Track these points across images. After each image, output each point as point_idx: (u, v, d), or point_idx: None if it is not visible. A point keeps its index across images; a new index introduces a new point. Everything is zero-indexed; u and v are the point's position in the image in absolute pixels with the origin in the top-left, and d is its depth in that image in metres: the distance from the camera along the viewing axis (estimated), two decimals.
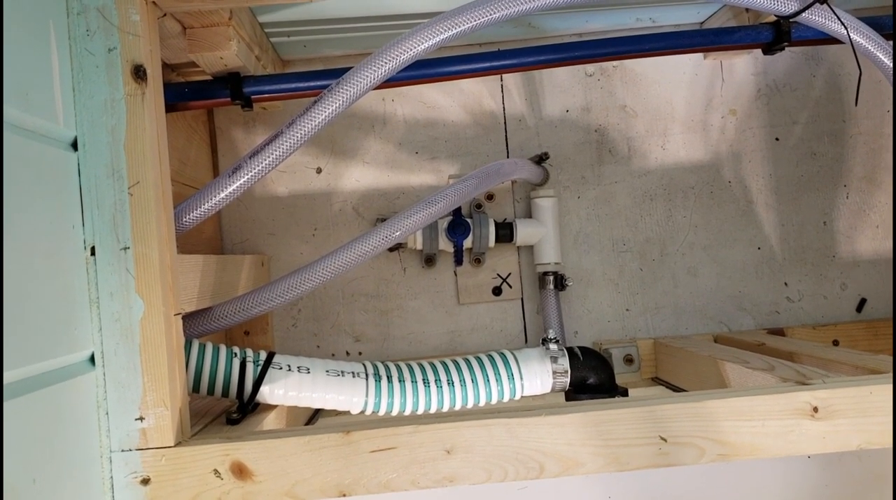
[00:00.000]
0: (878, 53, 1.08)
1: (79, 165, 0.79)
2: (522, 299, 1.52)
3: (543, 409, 0.82)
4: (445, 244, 1.43)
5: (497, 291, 1.51)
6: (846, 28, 1.07)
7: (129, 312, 0.79)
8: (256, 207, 1.50)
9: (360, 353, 1.50)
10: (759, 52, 1.39)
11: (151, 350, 0.79)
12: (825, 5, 1.07)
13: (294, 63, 1.48)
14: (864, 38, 1.08)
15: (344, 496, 0.79)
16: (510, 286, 1.51)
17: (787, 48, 1.22)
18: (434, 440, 0.80)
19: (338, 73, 0.99)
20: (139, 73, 0.80)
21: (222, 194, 0.93)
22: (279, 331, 1.50)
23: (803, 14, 1.07)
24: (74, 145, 0.79)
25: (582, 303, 1.52)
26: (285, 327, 1.50)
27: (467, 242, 1.43)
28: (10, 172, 0.66)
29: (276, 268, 1.49)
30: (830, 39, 1.13)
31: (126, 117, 0.79)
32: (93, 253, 0.79)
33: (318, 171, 1.51)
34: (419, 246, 1.43)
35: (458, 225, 1.42)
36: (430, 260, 1.50)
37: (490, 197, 1.51)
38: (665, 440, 0.80)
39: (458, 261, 1.46)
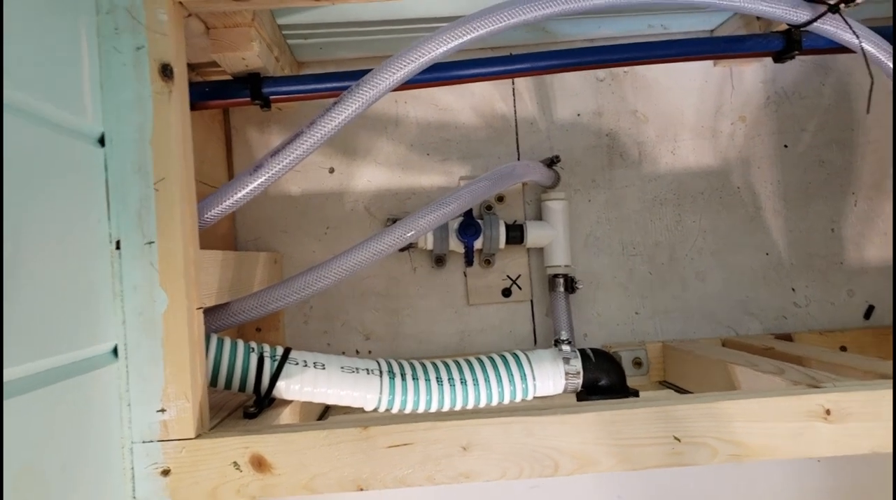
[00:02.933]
0: (889, 63, 1.09)
1: (105, 160, 0.81)
2: (532, 301, 1.53)
3: (559, 408, 0.83)
4: (456, 245, 1.44)
5: (507, 292, 1.52)
6: (858, 38, 1.08)
7: (152, 305, 0.80)
8: (269, 206, 1.51)
9: (370, 351, 1.51)
10: (768, 60, 1.40)
11: (174, 343, 0.80)
12: (837, 15, 1.08)
13: (309, 65, 1.50)
14: (875, 48, 1.09)
15: (361, 490, 0.81)
16: (520, 288, 1.52)
17: (797, 57, 1.23)
18: (451, 436, 0.81)
19: (355, 76, 1.01)
20: (166, 71, 0.81)
21: (243, 192, 0.94)
22: (291, 328, 1.51)
23: (815, 23, 1.08)
24: (101, 141, 0.81)
25: (591, 306, 1.53)
26: (297, 325, 1.51)
27: (478, 244, 1.44)
28: (40, 165, 0.68)
29: (288, 266, 1.50)
30: (841, 48, 1.13)
31: (153, 115, 0.81)
32: (118, 247, 0.80)
33: (331, 170, 1.52)
34: (430, 246, 1.44)
35: (469, 226, 1.43)
36: (440, 260, 1.51)
37: (501, 199, 1.52)
38: (679, 440, 0.81)
39: (469, 262, 1.47)
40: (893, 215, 1.52)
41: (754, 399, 0.82)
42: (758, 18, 1.34)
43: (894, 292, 1.52)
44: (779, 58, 1.24)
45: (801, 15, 1.07)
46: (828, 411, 0.81)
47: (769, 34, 1.24)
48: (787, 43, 1.21)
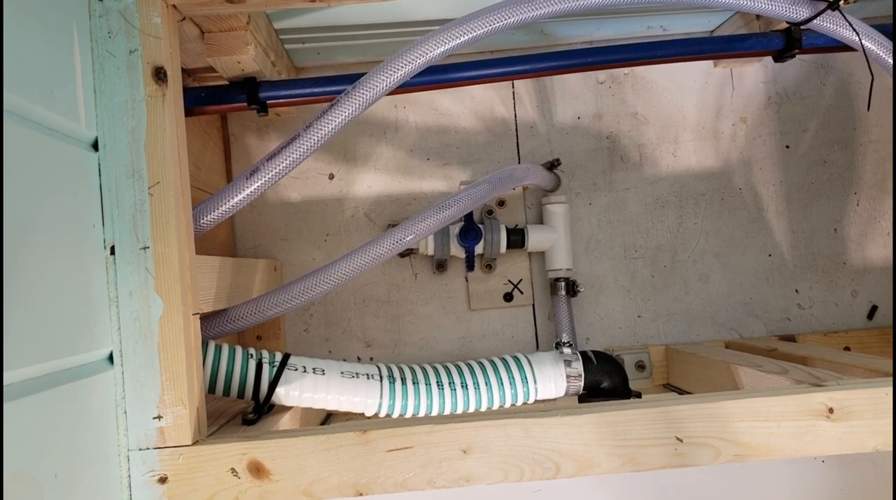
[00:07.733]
0: (889, 60, 1.08)
1: (99, 165, 0.80)
2: (534, 306, 1.52)
3: (559, 409, 0.82)
4: (457, 250, 1.44)
5: (508, 297, 1.52)
6: (858, 35, 1.07)
7: (147, 311, 0.80)
8: (269, 213, 1.51)
9: (371, 358, 1.51)
10: (769, 60, 1.40)
11: (170, 349, 0.80)
12: (836, 12, 1.07)
13: (307, 70, 1.50)
14: (875, 44, 1.08)
15: (360, 495, 0.80)
16: (521, 292, 1.51)
17: (797, 56, 1.22)
18: (450, 439, 0.80)
19: (353, 79, 1.00)
20: (160, 74, 0.81)
21: (240, 197, 0.94)
22: (291, 336, 1.50)
23: (815, 21, 1.07)
24: (95, 146, 0.80)
25: (593, 309, 1.52)
26: (297, 332, 1.50)
27: (479, 248, 1.43)
28: (34, 170, 0.67)
29: (288, 273, 1.49)
30: (841, 47, 1.13)
31: (146, 118, 0.80)
32: (112, 252, 0.80)
33: (331, 177, 1.51)
34: (430, 252, 1.43)
35: (469, 230, 1.42)
36: (441, 266, 1.50)
37: (501, 203, 1.51)
38: (681, 441, 0.80)
39: (470, 267, 1.46)
40: (894, 213, 1.51)
41: (756, 399, 0.81)
42: (758, 18, 1.34)
43: (894, 290, 1.50)
44: (779, 57, 1.24)
45: (800, 12, 1.06)
46: (830, 410, 0.80)
47: (769, 33, 1.24)
48: (787, 41, 1.21)
